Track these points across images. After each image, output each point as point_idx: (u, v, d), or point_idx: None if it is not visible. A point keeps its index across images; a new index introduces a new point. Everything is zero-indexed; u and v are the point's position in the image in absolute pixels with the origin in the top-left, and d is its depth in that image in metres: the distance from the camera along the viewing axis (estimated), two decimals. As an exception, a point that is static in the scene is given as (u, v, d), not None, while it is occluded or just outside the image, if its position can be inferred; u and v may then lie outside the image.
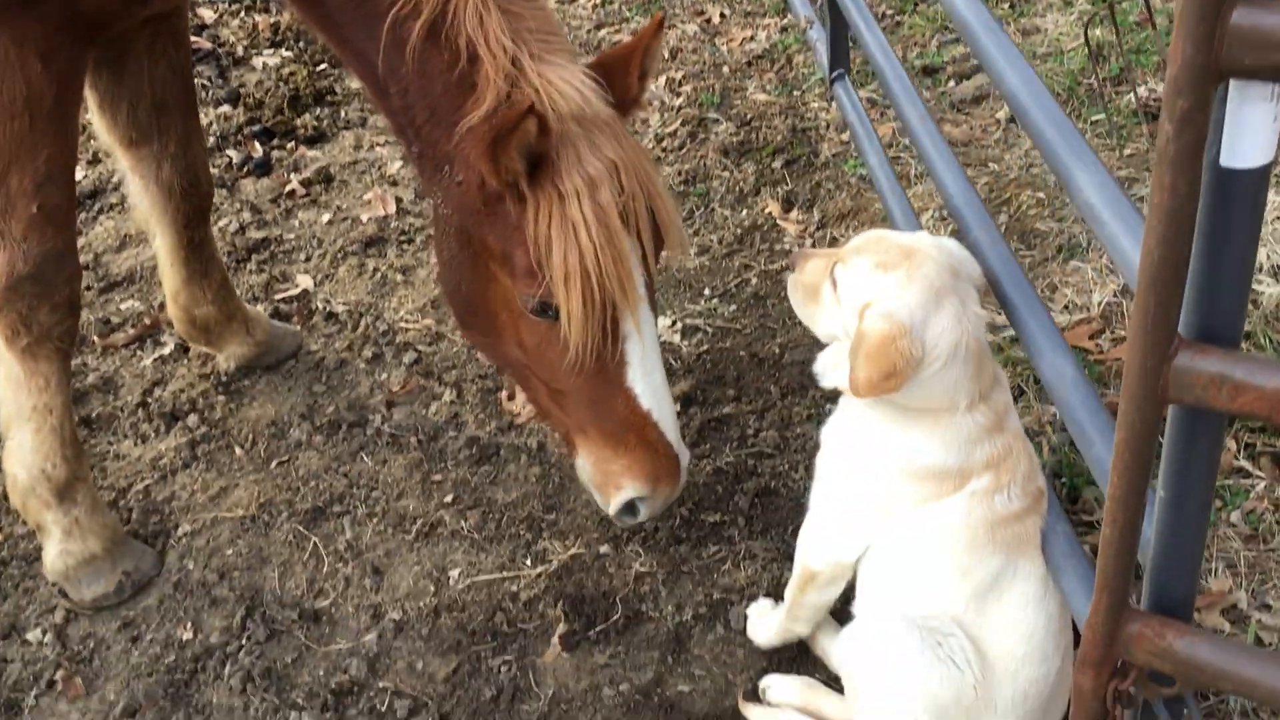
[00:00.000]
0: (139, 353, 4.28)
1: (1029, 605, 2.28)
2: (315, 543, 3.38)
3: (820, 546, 2.54)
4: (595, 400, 2.72)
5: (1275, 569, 2.77)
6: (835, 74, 4.66)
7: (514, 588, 3.17)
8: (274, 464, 3.70)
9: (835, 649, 2.53)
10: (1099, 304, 3.52)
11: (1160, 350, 1.49)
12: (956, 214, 2.78)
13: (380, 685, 2.96)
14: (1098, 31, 4.60)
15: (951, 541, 2.30)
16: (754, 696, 2.76)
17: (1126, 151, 4.20)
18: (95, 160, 5.40)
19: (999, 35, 2.47)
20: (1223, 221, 1.45)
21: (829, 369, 2.46)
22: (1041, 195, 4.09)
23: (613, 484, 2.79)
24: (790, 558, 3.03)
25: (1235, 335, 1.53)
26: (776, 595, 2.96)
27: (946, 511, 2.31)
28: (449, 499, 3.49)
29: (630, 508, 2.82)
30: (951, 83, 5.01)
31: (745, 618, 2.93)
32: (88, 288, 4.64)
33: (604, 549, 3.24)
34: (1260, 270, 3.41)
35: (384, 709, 2.89)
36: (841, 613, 2.66)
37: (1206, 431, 1.63)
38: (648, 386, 2.71)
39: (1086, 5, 5.15)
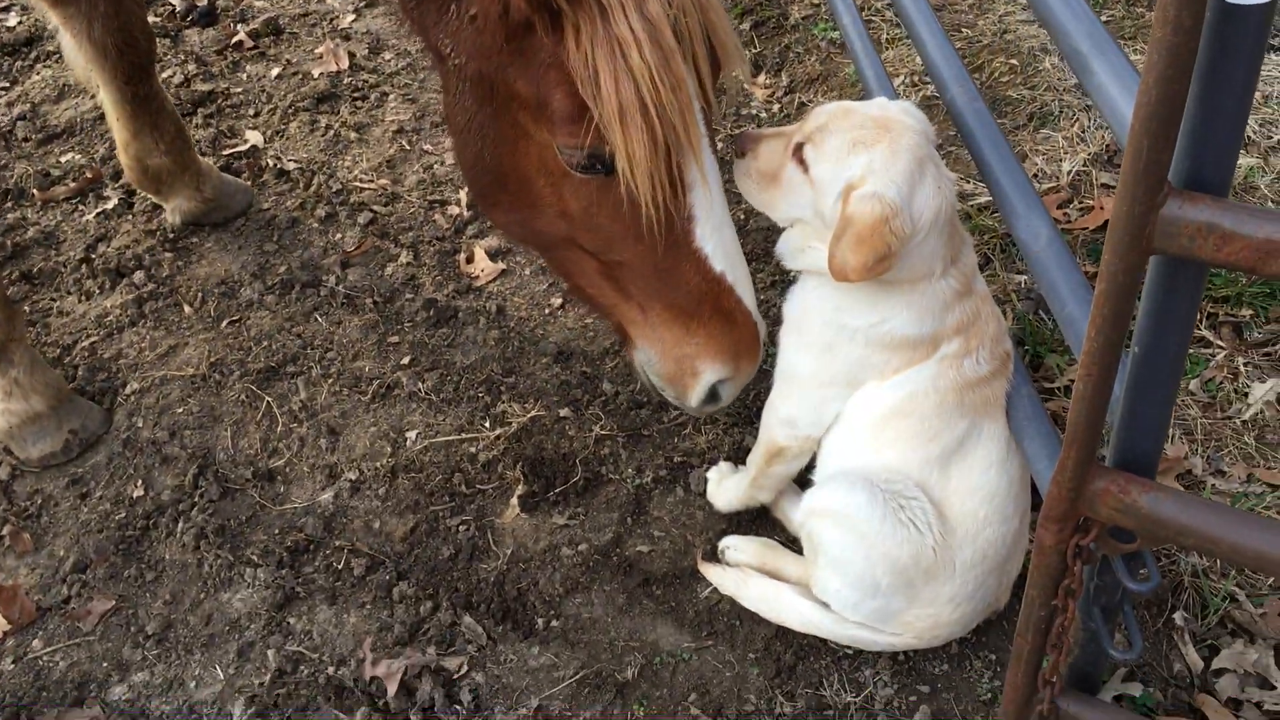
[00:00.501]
0: (81, 207, 4.13)
1: (992, 467, 2.28)
2: (269, 403, 3.32)
3: (788, 423, 2.50)
4: (660, 269, 2.29)
5: (1231, 436, 2.79)
6: (808, -68, 4.49)
7: (472, 449, 3.13)
8: (224, 323, 3.60)
9: (796, 512, 2.52)
10: (1068, 173, 3.47)
11: (1150, 197, 1.44)
12: (935, 72, 2.69)
13: (336, 544, 2.93)
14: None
15: (920, 407, 2.27)
16: (713, 557, 2.77)
17: (1103, 19, 4.10)
18: (28, 6, 5.13)
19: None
20: (1223, 61, 1.39)
21: (795, 252, 2.38)
22: (1015, 62, 4.00)
23: (688, 371, 2.39)
24: (751, 423, 3.03)
25: (1225, 184, 1.49)
26: (737, 459, 2.95)
27: (916, 378, 2.28)
28: (406, 361, 3.42)
29: (711, 394, 2.44)
30: (926, -55, 4.85)
31: (705, 481, 2.92)
32: (25, 139, 4.45)
33: (564, 412, 3.20)
34: (1232, 142, 3.37)
35: (341, 567, 2.87)
36: (802, 477, 2.65)
37: (1186, 286, 1.60)
38: (719, 245, 2.27)
39: None
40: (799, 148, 2.24)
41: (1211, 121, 1.44)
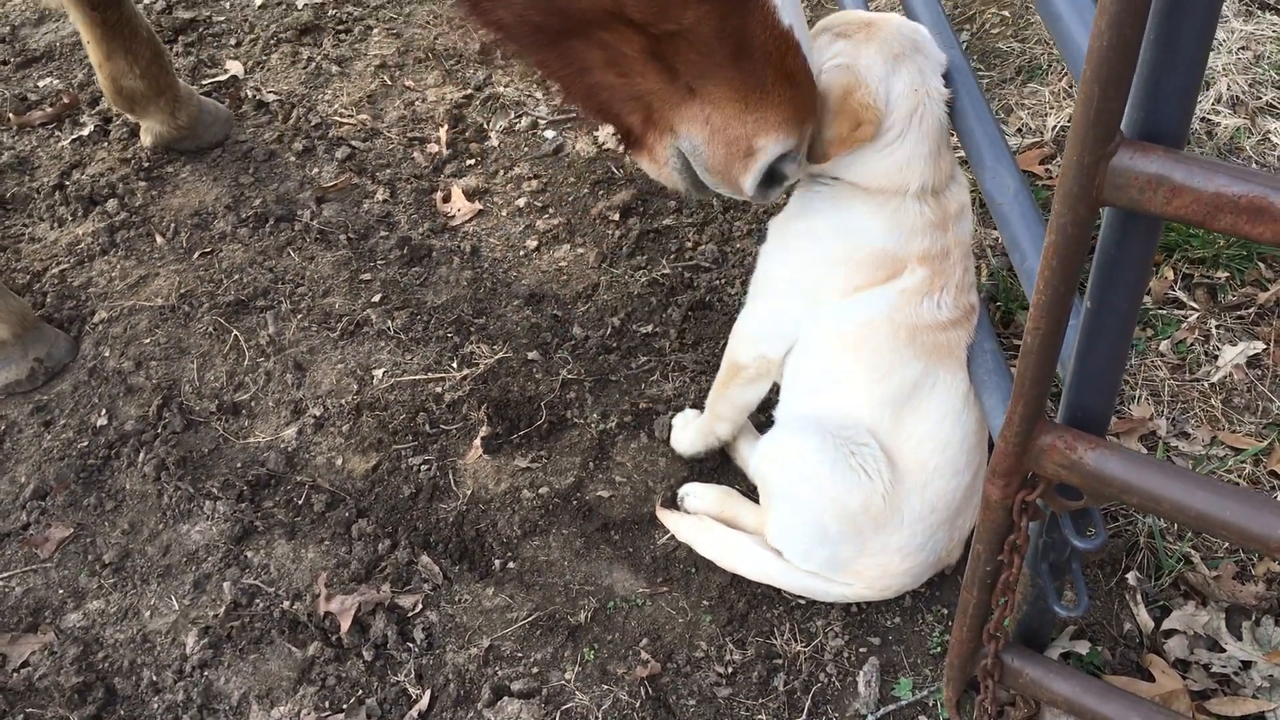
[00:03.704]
0: (57, 133, 4.07)
1: (946, 418, 2.26)
2: (236, 336, 3.29)
3: (749, 339, 2.50)
4: (724, 31, 1.94)
5: (1198, 399, 2.77)
6: (804, -127, 4.39)
7: (438, 389, 3.11)
8: (196, 255, 3.56)
9: (752, 457, 2.51)
10: (1053, 129, 3.41)
11: (1100, 146, 1.40)
12: (913, 18, 2.64)
13: (298, 479, 2.92)
14: None
15: (873, 338, 2.25)
16: (672, 504, 2.76)
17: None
18: (10, -74, 5.03)
19: None
20: (1180, 4, 1.35)
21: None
22: (1006, 14, 3.92)
23: (743, 152, 2.09)
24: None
25: (1179, 135, 1.45)
26: (702, 406, 2.92)
27: (873, 305, 2.26)
28: (377, 299, 3.39)
29: (769, 175, 2.16)
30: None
31: (670, 427, 2.90)
32: (3, 63, 4.38)
33: (532, 355, 3.18)
34: (1219, 101, 3.31)
35: (301, 502, 2.86)
36: (765, 426, 2.64)
37: (1139, 240, 1.56)
38: None
39: None
40: None
41: (1167, 69, 1.40)
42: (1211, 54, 3.37)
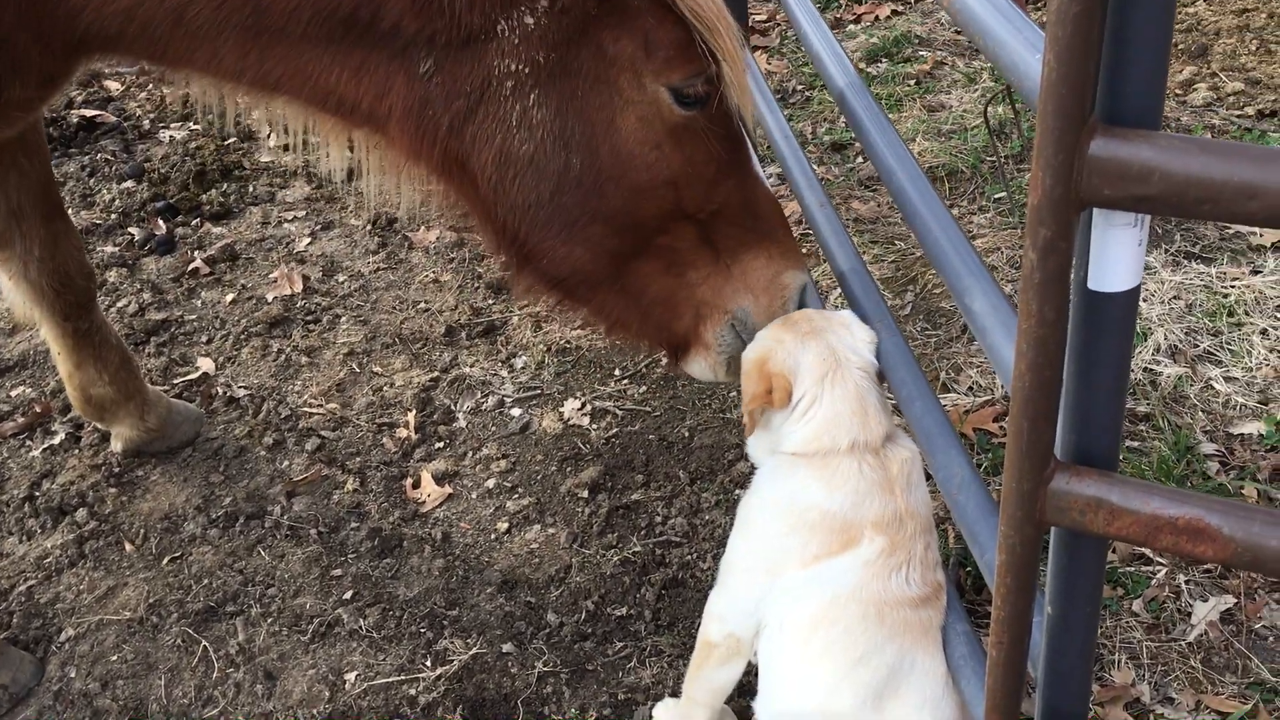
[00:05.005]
0: (29, 442, 4.11)
1: (925, 706, 2.22)
2: (205, 646, 3.24)
3: (718, 617, 2.48)
4: (744, 199, 2.44)
5: (1177, 659, 2.75)
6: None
7: (412, 691, 3.05)
8: (165, 560, 3.54)
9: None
10: (1002, 386, 3.52)
11: (1036, 474, 1.46)
12: (853, 301, 2.76)
13: (269, 801, 2.82)
14: (999, 109, 4.67)
15: (844, 615, 2.23)
16: (658, 804, 2.67)
17: (1030, 229, 4.24)
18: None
19: (888, 131, 2.47)
20: (1093, 344, 1.43)
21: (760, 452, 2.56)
22: (947, 274, 4.11)
23: (778, 292, 2.53)
24: (696, 654, 2.96)
25: (1112, 457, 1.51)
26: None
27: (838, 580, 2.25)
28: (348, 596, 3.36)
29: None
30: (860, 159, 5.05)
31: (650, 719, 2.84)
32: (-24, 374, 4.47)
33: (507, 647, 3.13)
34: (1159, 350, 3.44)
35: (272, 827, 2.75)
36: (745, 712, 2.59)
37: (1089, 552, 1.60)
38: (758, 161, 2.50)
39: (990, 82, 5.25)
40: None
41: (1090, 399, 1.47)
42: (1145, 304, 3.53)
